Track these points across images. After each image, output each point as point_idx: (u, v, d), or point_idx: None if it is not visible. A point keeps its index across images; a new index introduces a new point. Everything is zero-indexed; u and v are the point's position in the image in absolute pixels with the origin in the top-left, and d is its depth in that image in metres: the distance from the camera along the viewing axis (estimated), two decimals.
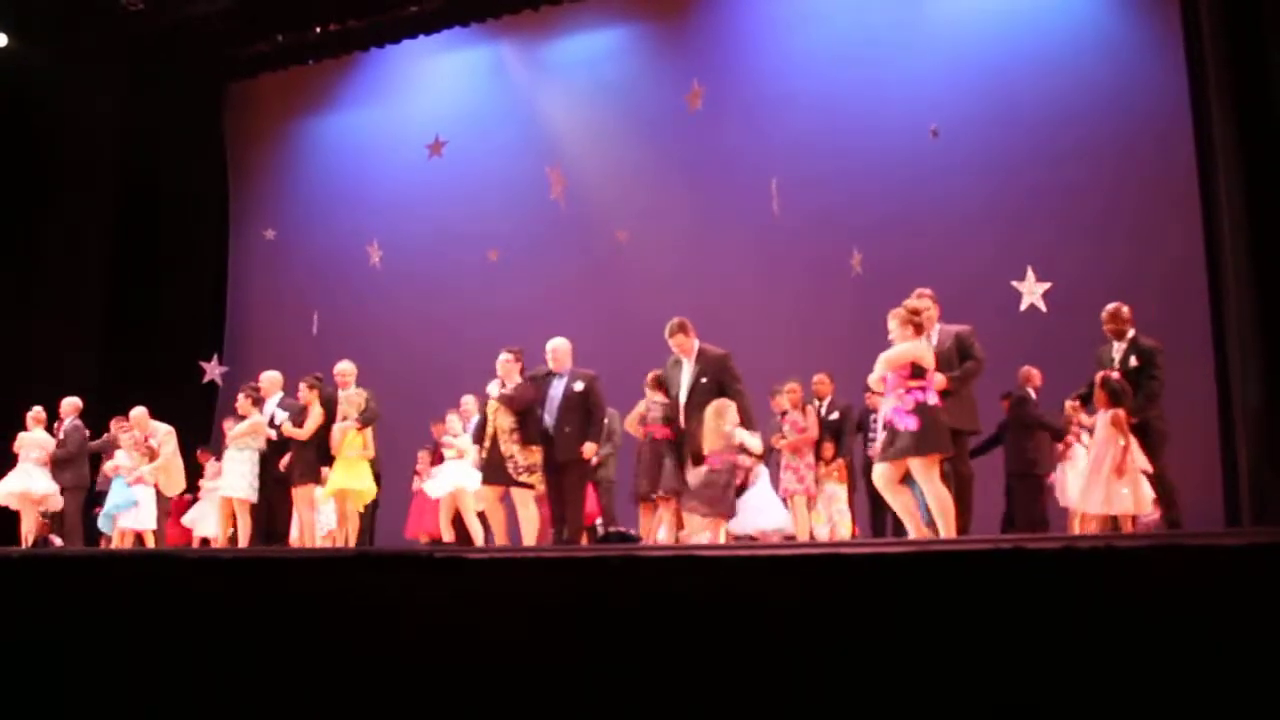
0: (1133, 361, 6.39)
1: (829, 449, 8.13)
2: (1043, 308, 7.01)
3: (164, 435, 9.30)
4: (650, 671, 2.35)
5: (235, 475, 8.20)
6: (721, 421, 6.36)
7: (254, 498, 8.21)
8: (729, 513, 6.54)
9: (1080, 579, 2.10)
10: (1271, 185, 7.36)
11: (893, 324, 5.67)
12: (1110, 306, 6.53)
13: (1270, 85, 7.34)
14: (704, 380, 6.66)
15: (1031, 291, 7.00)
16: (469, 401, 8.63)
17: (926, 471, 5.48)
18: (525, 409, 6.94)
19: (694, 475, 6.46)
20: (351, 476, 7.82)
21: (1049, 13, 9.46)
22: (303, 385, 8.24)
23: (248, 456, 8.22)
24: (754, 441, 6.67)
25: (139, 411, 9.35)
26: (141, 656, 3.05)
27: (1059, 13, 9.42)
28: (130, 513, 9.03)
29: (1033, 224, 8.93)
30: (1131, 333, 6.46)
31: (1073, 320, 7.29)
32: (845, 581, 2.27)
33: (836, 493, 8.13)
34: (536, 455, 6.90)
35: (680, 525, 6.84)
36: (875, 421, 7.52)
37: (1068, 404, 7.55)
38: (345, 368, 8.10)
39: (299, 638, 2.87)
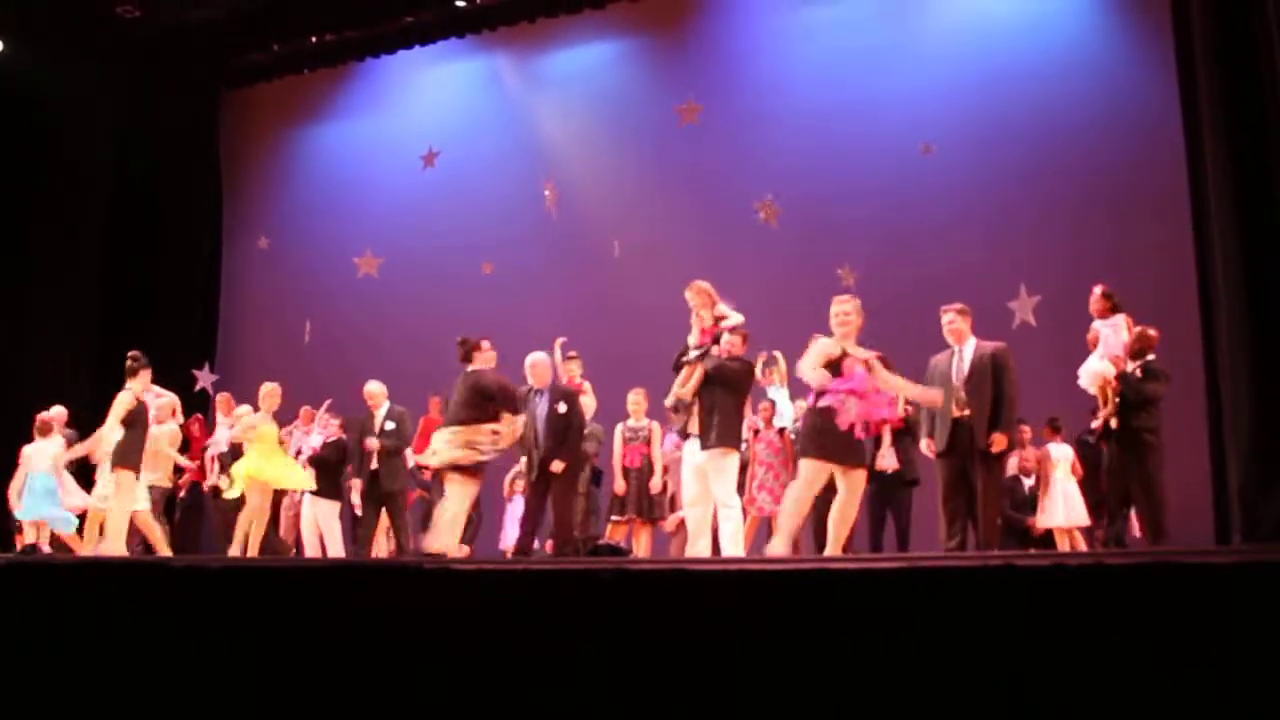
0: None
1: None
2: (1032, 322, 7.04)
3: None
4: (639, 684, 2.35)
5: None
6: None
7: None
8: None
9: (1071, 596, 2.10)
10: (1263, 198, 7.39)
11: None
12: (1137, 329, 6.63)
13: (1261, 97, 7.37)
14: None
15: (1024, 308, 7.03)
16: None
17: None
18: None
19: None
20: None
21: (1042, 28, 9.48)
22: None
23: None
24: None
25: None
26: (132, 664, 3.03)
27: (1052, 28, 9.44)
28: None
29: (1025, 238, 8.93)
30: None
31: (1063, 333, 7.29)
32: (834, 597, 2.26)
33: None
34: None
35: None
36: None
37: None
38: (374, 389, 8.38)
39: (289, 647, 2.86)
